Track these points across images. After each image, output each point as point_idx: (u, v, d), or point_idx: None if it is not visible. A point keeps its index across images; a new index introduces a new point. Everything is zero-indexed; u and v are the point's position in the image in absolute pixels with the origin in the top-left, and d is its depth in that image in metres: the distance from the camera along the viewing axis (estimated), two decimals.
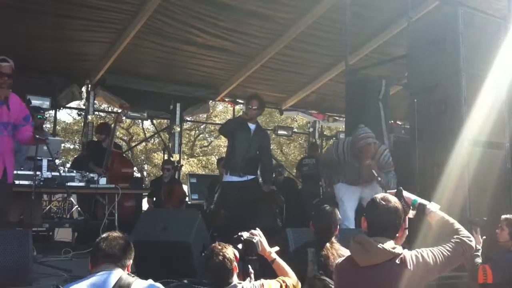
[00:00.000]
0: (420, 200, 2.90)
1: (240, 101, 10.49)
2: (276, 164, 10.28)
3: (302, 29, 8.29)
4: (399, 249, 2.59)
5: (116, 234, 2.68)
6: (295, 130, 16.52)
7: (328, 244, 3.48)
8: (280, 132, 12.13)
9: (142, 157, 24.10)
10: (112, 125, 7.66)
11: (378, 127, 6.52)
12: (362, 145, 5.66)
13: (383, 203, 2.68)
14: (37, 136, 5.17)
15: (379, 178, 5.51)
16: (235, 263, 2.74)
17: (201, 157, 24.35)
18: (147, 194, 8.44)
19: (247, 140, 6.14)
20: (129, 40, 7.80)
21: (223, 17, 7.80)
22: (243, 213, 5.97)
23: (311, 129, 12.28)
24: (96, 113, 9.05)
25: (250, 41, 8.62)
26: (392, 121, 8.54)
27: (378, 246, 2.55)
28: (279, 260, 3.11)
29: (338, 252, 3.44)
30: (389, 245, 2.58)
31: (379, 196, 2.76)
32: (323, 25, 8.28)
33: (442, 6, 7.35)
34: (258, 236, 3.06)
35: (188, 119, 11.81)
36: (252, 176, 6.22)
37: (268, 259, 3.11)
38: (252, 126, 6.24)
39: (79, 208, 6.92)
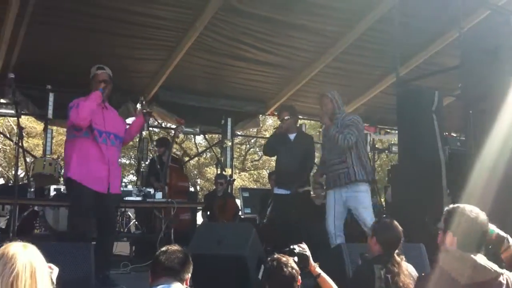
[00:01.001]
0: (497, 230, 2.70)
1: None
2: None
3: (350, 42, 8.26)
4: (496, 267, 2.45)
5: (175, 247, 2.73)
6: None
7: (395, 260, 3.29)
8: None
9: (195, 172, 24.43)
10: (170, 140, 7.86)
11: (432, 139, 6.40)
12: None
13: (474, 215, 2.52)
14: (144, 111, 5.36)
15: (327, 123, 5.89)
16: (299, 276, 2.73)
17: (252, 171, 24.46)
18: (201, 208, 8.57)
19: (289, 152, 6.15)
20: (180, 57, 7.99)
21: (272, 32, 7.86)
22: (291, 227, 5.97)
23: None
24: (150, 129, 9.23)
25: (298, 55, 8.64)
26: (446, 133, 8.34)
27: (483, 263, 2.40)
28: (324, 274, 3.10)
29: (404, 268, 3.28)
30: (488, 261, 2.44)
31: (467, 208, 2.57)
32: (371, 36, 8.21)
33: (494, 15, 7.19)
34: (307, 249, 3.08)
35: (239, 133, 11.93)
36: (302, 189, 6.21)
37: (313, 273, 3.10)
38: (292, 136, 6.26)
39: (136, 222, 7.09)
